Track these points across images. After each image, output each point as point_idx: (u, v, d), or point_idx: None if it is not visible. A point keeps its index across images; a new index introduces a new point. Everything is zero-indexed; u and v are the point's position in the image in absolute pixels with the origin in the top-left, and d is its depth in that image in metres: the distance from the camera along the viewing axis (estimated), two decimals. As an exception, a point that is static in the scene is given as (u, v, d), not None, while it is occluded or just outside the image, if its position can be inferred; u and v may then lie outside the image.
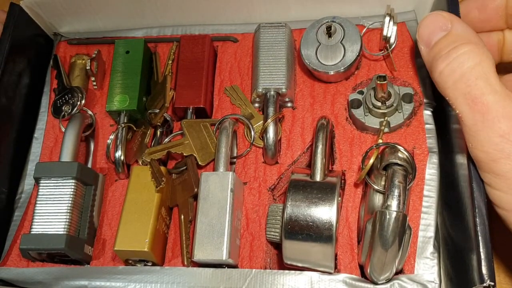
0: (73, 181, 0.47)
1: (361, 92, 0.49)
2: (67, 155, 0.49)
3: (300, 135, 0.50)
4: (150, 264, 0.46)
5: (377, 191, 0.43)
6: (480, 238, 0.39)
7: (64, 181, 0.47)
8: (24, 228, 0.50)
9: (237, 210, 0.46)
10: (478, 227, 0.39)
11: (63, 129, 0.52)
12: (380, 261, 0.40)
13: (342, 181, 0.47)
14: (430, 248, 0.43)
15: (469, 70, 0.36)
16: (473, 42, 0.38)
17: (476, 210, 0.39)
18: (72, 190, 0.47)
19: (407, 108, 0.48)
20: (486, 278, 0.37)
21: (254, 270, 0.44)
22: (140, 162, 0.50)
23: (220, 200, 0.45)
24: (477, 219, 0.39)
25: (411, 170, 0.42)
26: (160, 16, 0.56)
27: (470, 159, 0.40)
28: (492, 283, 0.37)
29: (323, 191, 0.42)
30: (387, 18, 0.49)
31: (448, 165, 0.46)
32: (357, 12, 0.53)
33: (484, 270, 0.38)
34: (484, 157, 0.37)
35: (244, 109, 0.52)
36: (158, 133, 0.52)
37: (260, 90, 0.50)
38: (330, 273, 0.43)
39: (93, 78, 0.55)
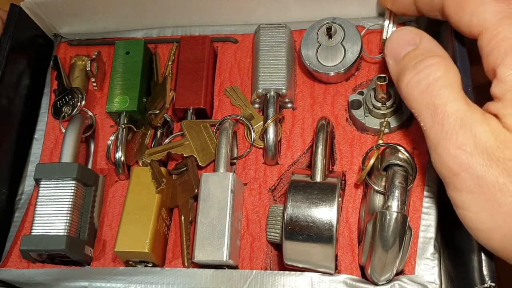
0: (73, 182, 0.47)
1: (361, 93, 0.49)
2: (67, 156, 0.49)
3: (300, 136, 0.50)
4: (150, 265, 0.46)
5: (378, 191, 0.43)
6: (481, 238, 0.39)
7: (65, 182, 0.47)
8: (25, 229, 0.50)
9: (238, 211, 0.46)
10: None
11: (63, 130, 0.52)
12: (381, 262, 0.40)
13: (343, 181, 0.47)
14: (431, 248, 0.43)
15: (434, 81, 0.36)
16: (440, 55, 0.37)
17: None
18: (73, 191, 0.47)
19: (407, 108, 0.47)
20: (487, 279, 0.37)
21: (254, 271, 0.44)
22: (140, 163, 0.50)
23: (221, 201, 0.45)
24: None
25: (411, 171, 0.42)
26: (160, 17, 0.56)
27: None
28: (493, 284, 0.37)
29: (323, 191, 0.42)
30: (387, 20, 0.49)
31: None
32: (357, 13, 0.53)
33: (485, 270, 0.38)
34: (446, 172, 0.35)
35: (244, 110, 0.52)
36: (158, 134, 0.52)
37: (260, 91, 0.50)
38: (330, 274, 0.43)
39: (93, 79, 0.55)
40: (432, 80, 0.36)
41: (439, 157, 0.35)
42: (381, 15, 0.52)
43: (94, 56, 0.54)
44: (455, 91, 0.35)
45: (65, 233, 0.45)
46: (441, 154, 0.35)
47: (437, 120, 0.35)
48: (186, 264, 0.46)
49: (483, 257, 0.38)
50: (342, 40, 0.50)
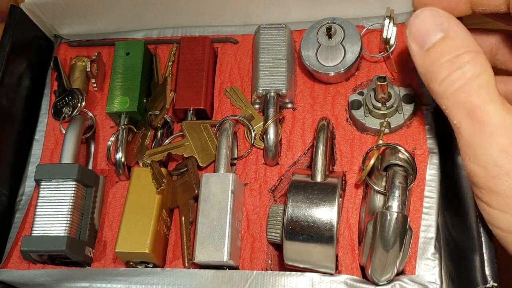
0: (74, 183, 0.47)
1: (361, 93, 0.49)
2: (67, 157, 0.49)
3: (300, 136, 0.50)
4: (151, 265, 0.46)
5: (378, 192, 0.43)
6: (483, 238, 0.39)
7: (65, 183, 0.47)
8: (25, 230, 0.50)
9: (238, 212, 0.46)
10: (481, 227, 0.39)
11: (63, 131, 0.52)
12: (381, 262, 0.40)
13: (343, 182, 0.47)
14: (431, 249, 0.43)
15: (472, 80, 0.35)
16: (475, 50, 0.36)
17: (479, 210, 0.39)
18: (73, 192, 0.47)
19: (408, 109, 0.48)
20: (489, 278, 0.37)
21: (255, 271, 0.44)
22: (140, 164, 0.50)
23: (221, 202, 0.45)
24: (480, 219, 0.39)
25: (411, 171, 0.42)
26: (160, 17, 0.56)
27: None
28: (495, 284, 0.37)
29: (324, 191, 0.42)
30: (387, 20, 0.49)
31: (449, 165, 0.46)
32: (357, 13, 0.53)
33: (487, 270, 0.38)
34: (482, 173, 0.35)
35: (245, 110, 0.52)
36: (159, 134, 0.52)
37: (260, 91, 0.50)
38: (331, 274, 0.43)
39: (93, 80, 0.55)
40: (468, 79, 0.35)
41: (475, 157, 0.35)
42: (381, 14, 0.52)
43: (94, 57, 0.54)
44: (492, 91, 0.35)
45: (66, 234, 0.45)
46: (479, 155, 0.34)
47: (475, 120, 0.34)
48: (186, 265, 0.46)
49: (485, 257, 0.38)
50: (342, 40, 0.50)
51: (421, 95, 0.49)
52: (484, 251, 0.38)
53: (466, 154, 0.35)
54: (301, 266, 0.43)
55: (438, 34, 0.36)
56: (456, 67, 0.35)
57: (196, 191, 0.47)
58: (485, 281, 0.37)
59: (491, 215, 0.36)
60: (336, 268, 0.44)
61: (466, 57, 0.35)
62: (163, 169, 0.49)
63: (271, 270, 0.45)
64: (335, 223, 0.41)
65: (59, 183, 0.47)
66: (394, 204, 0.39)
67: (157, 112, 0.52)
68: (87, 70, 0.53)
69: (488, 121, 0.34)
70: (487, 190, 0.35)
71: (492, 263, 0.38)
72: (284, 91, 0.50)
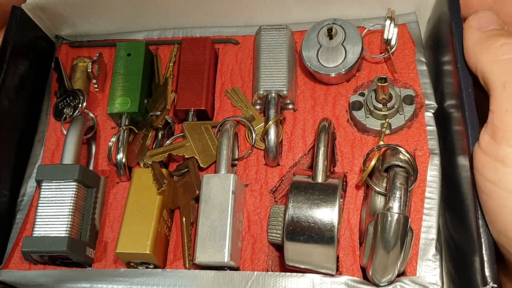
0: (75, 183, 0.47)
1: (362, 94, 0.49)
2: (68, 158, 0.49)
3: (301, 137, 0.50)
4: (151, 266, 0.46)
5: (379, 193, 0.43)
6: (483, 240, 0.39)
7: (66, 183, 0.47)
8: (26, 231, 0.50)
9: (239, 212, 0.46)
10: (481, 229, 0.39)
11: (64, 132, 0.52)
12: (382, 263, 0.39)
13: (344, 183, 0.47)
14: (432, 250, 0.43)
15: None
16: None
17: (479, 212, 0.39)
18: (74, 192, 0.47)
19: (408, 109, 0.48)
20: (489, 280, 0.37)
21: (255, 272, 0.44)
22: (141, 165, 0.50)
23: (222, 202, 0.45)
24: (480, 221, 0.39)
25: (412, 172, 0.42)
26: (161, 18, 0.56)
27: (471, 161, 0.40)
28: (495, 285, 0.37)
29: (324, 192, 0.42)
30: (388, 21, 0.49)
31: (450, 166, 0.46)
32: (358, 14, 0.53)
33: (487, 272, 0.38)
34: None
35: (245, 111, 0.52)
36: (160, 135, 0.52)
37: (261, 92, 0.50)
38: (332, 275, 0.43)
39: (94, 81, 0.55)
40: None
41: None
42: (382, 15, 0.52)
43: (95, 58, 0.54)
44: None
45: (67, 235, 0.46)
46: None
47: None
48: (187, 266, 0.46)
49: (485, 258, 0.38)
50: (343, 41, 0.50)
51: (422, 96, 0.49)
52: (484, 252, 0.38)
53: (504, 108, 0.38)
54: (302, 267, 0.43)
55: (496, 25, 0.43)
56: None
57: (197, 192, 0.47)
58: (484, 283, 0.37)
59: (505, 173, 0.37)
60: (337, 269, 0.44)
61: None
62: (164, 170, 0.49)
63: (272, 271, 0.45)
64: (336, 224, 0.41)
65: (60, 184, 0.47)
66: (395, 205, 0.39)
67: (158, 113, 0.52)
68: (88, 70, 0.53)
69: None
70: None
71: (492, 264, 0.38)
72: (285, 92, 0.50)
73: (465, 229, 0.41)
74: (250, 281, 0.44)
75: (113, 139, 0.52)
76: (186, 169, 0.49)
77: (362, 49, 0.49)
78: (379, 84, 0.45)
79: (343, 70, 0.49)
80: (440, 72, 0.49)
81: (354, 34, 0.50)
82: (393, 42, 0.50)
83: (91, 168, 0.52)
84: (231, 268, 0.45)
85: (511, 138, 0.37)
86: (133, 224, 0.46)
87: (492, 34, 0.42)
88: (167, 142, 0.52)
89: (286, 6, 0.54)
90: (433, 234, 0.44)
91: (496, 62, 0.40)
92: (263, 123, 0.51)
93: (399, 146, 0.43)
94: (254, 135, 0.50)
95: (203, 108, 0.51)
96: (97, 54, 0.55)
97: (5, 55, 0.52)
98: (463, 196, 0.42)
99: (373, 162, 0.42)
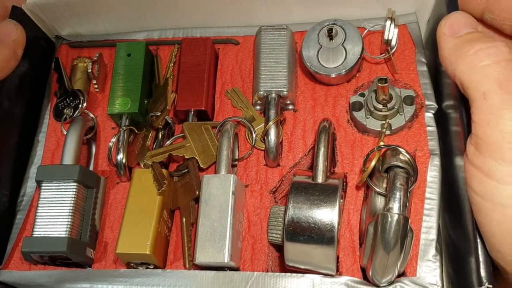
0: (75, 184, 0.47)
1: (362, 95, 0.49)
2: (68, 158, 0.49)
3: (301, 137, 0.50)
4: (151, 267, 0.46)
5: (379, 193, 0.43)
6: (478, 240, 0.39)
7: (66, 184, 0.47)
8: (26, 231, 0.50)
9: (239, 213, 0.46)
10: (477, 230, 0.39)
11: (64, 132, 0.52)
12: (382, 264, 0.39)
13: (344, 183, 0.47)
14: (432, 250, 0.43)
15: (508, 59, 0.37)
16: (501, 45, 0.39)
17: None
18: (74, 193, 0.47)
19: (409, 110, 0.48)
20: (485, 281, 0.37)
21: (255, 273, 0.44)
22: (141, 165, 0.50)
23: (222, 203, 0.45)
24: (476, 222, 0.39)
25: (412, 173, 0.42)
26: (161, 19, 0.56)
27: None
28: (490, 286, 0.37)
29: (325, 193, 0.42)
30: (388, 21, 0.49)
31: (448, 167, 0.46)
32: (358, 15, 0.53)
33: (482, 272, 0.38)
34: (497, 138, 0.36)
35: (246, 112, 0.52)
36: (160, 135, 0.52)
37: (262, 92, 0.50)
38: (332, 276, 0.43)
39: (94, 81, 0.55)
40: (504, 57, 0.38)
41: (497, 123, 0.36)
42: (382, 16, 0.52)
43: (95, 58, 0.54)
44: None
45: (67, 235, 0.46)
46: (503, 120, 0.36)
47: (506, 91, 0.37)
48: (187, 266, 0.46)
49: (481, 258, 0.38)
50: (343, 42, 0.50)
51: (422, 96, 0.49)
52: (480, 252, 0.38)
53: (485, 120, 0.37)
54: (302, 267, 0.43)
55: (470, 29, 0.41)
56: (492, 45, 0.38)
57: (197, 192, 0.47)
58: (480, 283, 0.37)
59: (490, 187, 0.36)
60: (337, 270, 0.44)
61: (500, 43, 0.39)
62: (164, 170, 0.49)
63: (272, 272, 0.45)
64: (336, 224, 0.41)
65: (60, 184, 0.47)
66: (395, 206, 0.39)
67: (158, 113, 0.52)
68: (89, 71, 0.53)
69: None
70: (496, 158, 0.36)
71: (488, 265, 0.38)
72: (285, 92, 0.50)
73: (462, 230, 0.41)
74: (250, 281, 0.44)
75: (113, 140, 0.52)
76: (186, 170, 0.49)
77: (363, 49, 0.49)
78: (380, 84, 0.45)
79: (344, 70, 0.49)
80: (439, 73, 0.49)
81: (354, 34, 0.50)
82: (393, 42, 0.50)
83: (91, 168, 0.52)
84: (231, 269, 0.45)
85: (495, 151, 0.36)
86: (133, 224, 0.46)
87: (466, 40, 0.40)
88: (167, 142, 0.52)
89: (287, 7, 0.54)
90: (433, 235, 0.44)
91: (473, 71, 0.38)
92: (263, 124, 0.51)
93: (399, 147, 0.43)
94: (254, 135, 0.50)
95: (203, 108, 0.51)
96: (97, 55, 0.55)
97: (6, 55, 0.52)
98: (460, 197, 0.42)
99: (373, 163, 0.42)
